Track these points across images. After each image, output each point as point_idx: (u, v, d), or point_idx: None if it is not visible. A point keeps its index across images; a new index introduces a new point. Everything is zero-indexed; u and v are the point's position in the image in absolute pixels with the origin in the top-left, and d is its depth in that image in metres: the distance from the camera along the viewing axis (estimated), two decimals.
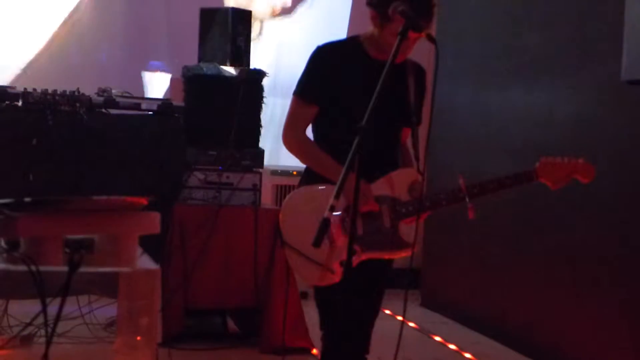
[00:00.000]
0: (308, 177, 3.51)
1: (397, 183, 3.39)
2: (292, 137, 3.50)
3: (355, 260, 3.26)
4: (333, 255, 3.28)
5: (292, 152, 3.52)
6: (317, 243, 2.78)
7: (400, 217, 3.36)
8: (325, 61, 3.48)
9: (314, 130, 3.57)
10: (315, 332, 3.50)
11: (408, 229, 3.38)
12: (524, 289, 5.97)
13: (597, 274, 5.16)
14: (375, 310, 3.58)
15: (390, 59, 2.94)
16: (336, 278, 3.26)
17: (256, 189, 5.68)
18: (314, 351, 5.32)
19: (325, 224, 2.75)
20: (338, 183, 2.76)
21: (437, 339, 6.30)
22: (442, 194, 3.42)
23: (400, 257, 3.37)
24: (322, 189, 3.36)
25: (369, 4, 3.36)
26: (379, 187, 3.37)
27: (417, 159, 3.49)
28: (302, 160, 3.53)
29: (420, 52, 3.55)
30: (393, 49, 2.96)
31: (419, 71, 3.57)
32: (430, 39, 3.03)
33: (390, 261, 3.49)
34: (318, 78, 3.47)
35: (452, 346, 6.09)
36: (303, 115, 3.50)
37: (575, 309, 5.35)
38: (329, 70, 3.45)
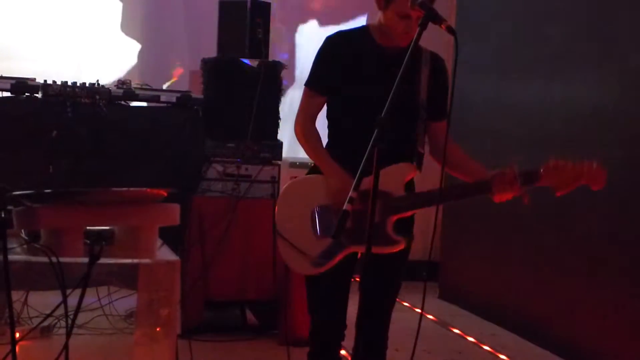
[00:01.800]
0: (313, 167, 3.57)
1: (391, 177, 3.30)
2: (299, 127, 3.54)
3: (341, 254, 3.32)
4: (319, 246, 3.34)
5: (299, 141, 3.57)
6: (337, 235, 2.81)
7: (391, 212, 3.33)
8: (334, 51, 3.49)
9: (328, 117, 3.59)
10: None
11: (399, 225, 3.35)
12: (542, 281, 5.96)
13: (615, 266, 5.14)
14: (383, 302, 3.54)
15: (411, 47, 2.91)
16: (317, 268, 3.35)
17: (275, 181, 5.69)
18: None
19: (345, 215, 2.74)
20: (357, 175, 2.76)
21: (456, 331, 6.30)
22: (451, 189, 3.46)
23: (388, 252, 3.32)
24: (311, 179, 3.48)
25: None
26: (370, 181, 3.32)
27: (434, 154, 3.51)
28: (306, 151, 3.57)
29: (440, 43, 3.53)
30: (412, 41, 2.93)
31: (437, 61, 3.54)
32: (450, 30, 2.99)
33: (404, 252, 3.45)
34: (326, 68, 3.49)
35: (470, 338, 6.08)
36: (311, 105, 3.55)
37: (594, 301, 5.33)
38: (338, 60, 3.46)
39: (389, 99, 2.83)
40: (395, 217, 3.35)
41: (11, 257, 2.84)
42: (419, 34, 2.95)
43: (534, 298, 6.05)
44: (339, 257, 3.33)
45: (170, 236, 3.55)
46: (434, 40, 3.43)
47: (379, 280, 3.39)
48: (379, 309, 3.50)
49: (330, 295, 3.51)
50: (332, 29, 4.12)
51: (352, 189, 2.76)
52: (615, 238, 5.14)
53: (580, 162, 3.29)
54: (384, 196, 3.26)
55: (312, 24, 7.50)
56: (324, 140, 3.58)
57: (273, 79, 5.84)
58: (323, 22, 7.52)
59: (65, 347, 2.98)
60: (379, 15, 3.44)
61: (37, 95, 5.33)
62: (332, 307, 3.52)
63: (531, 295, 6.09)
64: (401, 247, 3.35)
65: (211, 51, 6.02)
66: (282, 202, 3.51)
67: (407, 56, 2.90)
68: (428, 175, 3.54)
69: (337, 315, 3.51)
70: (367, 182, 3.08)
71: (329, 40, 3.52)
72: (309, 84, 3.55)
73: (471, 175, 3.47)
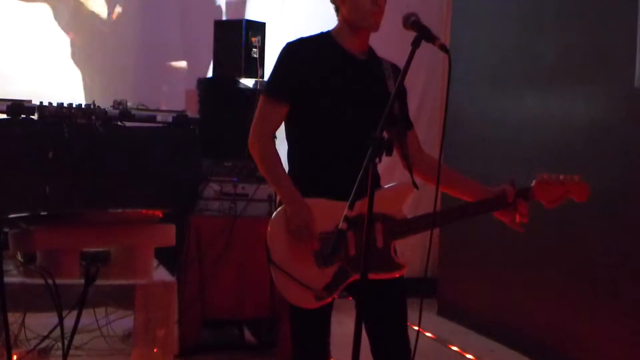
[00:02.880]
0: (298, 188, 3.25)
1: (389, 200, 3.20)
2: (255, 143, 3.27)
3: (346, 283, 3.14)
4: (323, 278, 3.14)
5: (252, 155, 3.29)
6: (333, 253, 2.72)
7: (396, 236, 3.20)
8: (295, 56, 3.28)
9: (287, 132, 3.36)
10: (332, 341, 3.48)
11: (401, 249, 3.24)
12: (542, 297, 5.95)
13: (615, 283, 5.14)
14: (399, 322, 3.34)
15: (403, 70, 2.83)
16: (320, 302, 3.15)
17: (271, 200, 5.69)
18: None
19: (340, 234, 2.64)
20: (353, 192, 2.64)
21: (454, 348, 6.28)
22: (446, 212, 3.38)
23: (392, 277, 3.19)
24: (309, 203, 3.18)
25: None
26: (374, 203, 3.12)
27: (408, 168, 3.28)
28: (261, 170, 3.32)
29: (434, 60, 3.52)
30: (406, 61, 2.83)
31: (395, 71, 3.34)
32: (444, 49, 2.98)
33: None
34: (287, 74, 3.26)
35: (469, 355, 6.07)
36: (271, 115, 3.28)
37: (593, 318, 5.32)
38: (300, 66, 3.25)
39: (384, 115, 2.73)
40: (397, 241, 3.21)
41: (7, 279, 2.84)
42: (412, 53, 2.92)
43: (533, 314, 6.04)
44: (342, 287, 3.15)
45: (167, 256, 3.56)
46: (428, 55, 3.42)
47: (386, 303, 3.28)
48: (398, 330, 3.32)
49: (315, 328, 3.31)
50: None
51: (347, 207, 2.62)
52: (614, 253, 5.14)
53: (564, 177, 3.33)
54: (385, 220, 3.17)
55: None
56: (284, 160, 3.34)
57: None
58: None
59: None
60: (338, 19, 3.32)
61: (33, 116, 5.34)
62: (317, 334, 3.33)
63: (531, 311, 6.08)
64: (404, 270, 3.21)
65: (207, 71, 6.04)
66: (274, 229, 3.23)
67: (400, 76, 2.83)
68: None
69: (322, 342, 3.33)
70: (361, 205, 2.93)
71: (290, 46, 3.32)
72: (268, 91, 3.29)
73: (464, 191, 3.38)
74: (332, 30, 3.37)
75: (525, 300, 6.15)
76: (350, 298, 3.23)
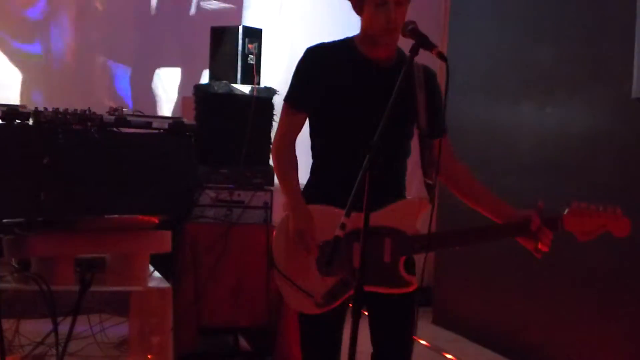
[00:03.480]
0: (307, 194, 3.26)
1: (402, 214, 3.14)
2: (275, 149, 3.30)
3: (347, 294, 3.09)
4: (324, 286, 3.10)
5: (273, 159, 3.32)
6: (329, 262, 2.67)
7: (406, 252, 3.13)
8: (316, 63, 3.24)
9: (310, 142, 3.34)
10: None
11: (409, 264, 3.16)
12: (537, 306, 5.94)
13: (612, 292, 5.13)
14: (403, 335, 3.30)
15: (403, 73, 2.83)
16: (321, 309, 3.11)
17: (267, 207, 5.68)
18: None
19: (337, 242, 2.61)
20: (349, 200, 2.62)
21: (449, 357, 6.27)
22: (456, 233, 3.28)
23: (398, 293, 3.13)
24: (315, 210, 3.15)
25: None
26: (384, 217, 3.10)
27: (424, 174, 3.23)
28: (275, 171, 3.32)
29: (432, 67, 3.48)
30: (404, 69, 2.84)
31: (431, 79, 3.31)
32: (441, 57, 2.96)
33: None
34: (307, 82, 3.24)
35: None
36: (290, 123, 3.27)
37: (589, 327, 5.32)
38: (321, 73, 3.21)
39: (381, 122, 2.70)
40: (406, 257, 3.14)
41: (1, 285, 2.83)
42: (411, 60, 2.92)
43: (529, 323, 6.04)
44: (344, 297, 3.11)
45: (162, 263, 3.54)
46: (425, 63, 3.39)
47: (392, 314, 3.25)
48: (401, 346, 3.28)
49: (324, 335, 3.26)
50: None
51: (344, 214, 2.60)
52: (612, 262, 5.13)
53: (604, 209, 3.15)
54: (396, 234, 3.11)
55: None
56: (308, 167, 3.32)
57: (265, 104, 5.85)
58: None
59: None
60: (360, 27, 3.25)
61: (28, 122, 5.31)
62: (325, 342, 3.27)
63: (526, 320, 6.07)
64: (413, 287, 3.14)
65: (203, 77, 6.03)
66: (279, 235, 3.19)
67: (399, 81, 2.81)
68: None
69: (330, 350, 3.26)
70: (381, 216, 3.03)
71: (310, 51, 3.27)
72: (289, 99, 3.28)
73: (488, 209, 3.29)
74: (355, 36, 3.30)
75: (521, 309, 6.14)
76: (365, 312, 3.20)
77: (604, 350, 5.17)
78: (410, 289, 3.13)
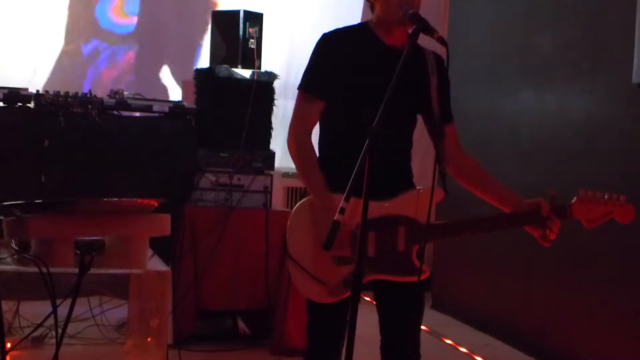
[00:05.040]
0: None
1: (416, 202, 3.10)
2: (293, 139, 3.18)
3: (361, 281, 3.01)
4: (338, 275, 3.07)
5: (290, 151, 3.20)
6: (327, 246, 2.68)
7: (418, 241, 3.09)
8: (333, 49, 3.17)
9: (321, 125, 3.27)
10: None
11: (421, 254, 3.12)
12: (535, 291, 5.96)
13: (609, 275, 5.15)
14: (410, 321, 3.31)
15: (404, 54, 2.80)
16: (334, 298, 3.08)
17: (267, 191, 5.69)
18: None
19: (335, 227, 2.62)
20: (349, 185, 2.62)
21: (448, 341, 6.29)
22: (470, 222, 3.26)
23: (410, 281, 3.09)
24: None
25: None
26: (397, 206, 3.08)
27: (439, 162, 3.10)
28: (296, 166, 3.21)
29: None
30: (405, 49, 2.83)
31: (442, 66, 3.23)
32: (442, 41, 2.96)
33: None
34: (324, 69, 3.16)
35: (462, 349, 6.08)
36: (308, 111, 3.19)
37: (587, 311, 5.33)
38: (338, 60, 3.14)
39: (381, 107, 2.68)
40: (419, 245, 3.11)
41: (1, 267, 2.84)
42: (411, 45, 2.91)
43: (527, 308, 6.06)
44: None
45: (162, 246, 3.55)
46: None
47: (401, 301, 3.23)
48: (406, 330, 3.30)
49: (332, 318, 3.21)
50: None
51: (343, 199, 2.62)
52: (609, 247, 5.15)
53: (610, 197, 3.20)
54: (410, 223, 3.09)
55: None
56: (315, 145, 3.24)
57: (266, 89, 5.85)
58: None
59: (56, 357, 2.98)
60: (374, 14, 3.20)
61: (29, 105, 5.32)
62: (331, 329, 3.24)
63: (525, 305, 6.09)
64: (425, 275, 3.09)
65: (204, 61, 6.03)
66: (294, 223, 3.14)
67: (398, 68, 2.78)
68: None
69: (335, 337, 3.23)
70: (387, 206, 3.00)
71: (326, 37, 3.19)
72: (305, 86, 3.19)
73: (496, 198, 3.29)
74: (369, 21, 3.25)
75: (519, 294, 6.16)
76: (365, 298, 3.18)
77: (603, 334, 5.19)
78: (423, 277, 3.10)
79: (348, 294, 2.93)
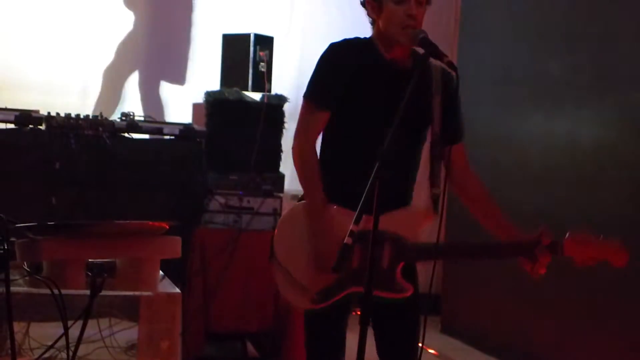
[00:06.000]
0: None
1: (406, 221, 3.12)
2: (298, 149, 3.20)
3: (342, 293, 3.10)
4: (320, 283, 3.09)
5: (294, 161, 3.24)
6: (336, 269, 2.66)
7: (404, 259, 3.11)
8: (340, 60, 3.18)
9: (322, 135, 3.29)
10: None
11: (408, 271, 3.15)
12: (546, 316, 5.94)
13: (623, 302, 5.13)
14: (406, 342, 3.32)
15: (411, 87, 2.79)
16: (314, 305, 3.11)
17: (277, 214, 5.70)
18: None
19: (346, 250, 2.61)
20: (359, 208, 2.62)
21: None
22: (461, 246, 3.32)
23: (394, 298, 3.10)
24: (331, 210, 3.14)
25: (364, 3, 3.20)
26: (386, 222, 2.91)
27: (432, 183, 3.18)
28: (298, 173, 3.24)
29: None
30: (414, 78, 2.82)
31: (450, 81, 3.23)
32: (452, 66, 2.99)
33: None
34: (331, 79, 3.17)
35: None
36: (313, 121, 3.21)
37: (600, 338, 5.31)
38: (344, 70, 3.15)
39: (392, 129, 2.66)
40: (404, 264, 3.12)
41: (13, 288, 2.85)
42: (421, 69, 2.92)
43: (537, 333, 6.03)
44: (338, 296, 3.11)
45: (172, 268, 3.56)
46: None
47: (397, 323, 3.26)
48: (406, 352, 3.30)
49: (328, 332, 3.27)
50: None
51: (352, 222, 2.60)
52: (620, 274, 5.12)
53: (604, 240, 3.16)
54: (396, 242, 3.09)
55: None
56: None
57: (276, 112, 5.88)
58: None
59: None
60: (375, 29, 3.22)
61: (40, 127, 5.35)
62: (329, 345, 3.28)
63: (535, 329, 6.07)
64: (409, 293, 3.11)
65: (214, 84, 6.06)
66: (283, 228, 3.25)
67: (407, 93, 2.77)
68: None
69: (334, 353, 3.28)
70: (385, 221, 2.91)
71: (334, 47, 3.21)
72: (311, 96, 3.21)
73: (495, 226, 3.28)
74: (372, 36, 3.26)
75: (530, 319, 6.14)
76: (356, 313, 3.20)
77: (617, 359, 5.16)
78: (405, 295, 3.11)
79: (327, 303, 3.07)
